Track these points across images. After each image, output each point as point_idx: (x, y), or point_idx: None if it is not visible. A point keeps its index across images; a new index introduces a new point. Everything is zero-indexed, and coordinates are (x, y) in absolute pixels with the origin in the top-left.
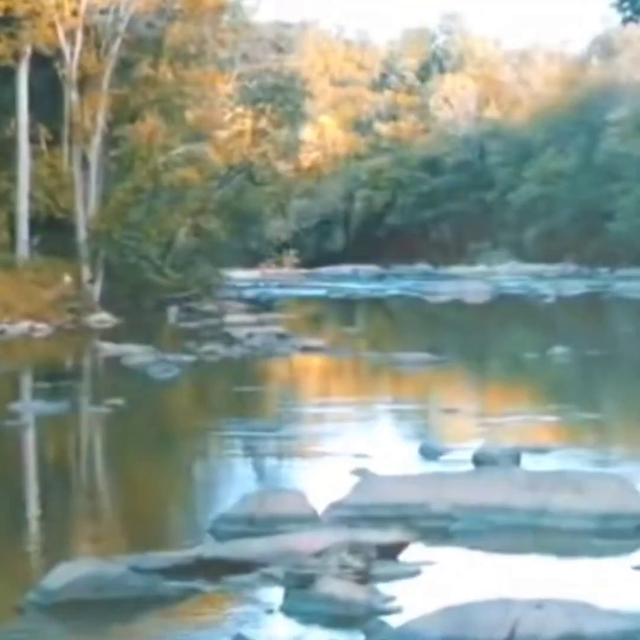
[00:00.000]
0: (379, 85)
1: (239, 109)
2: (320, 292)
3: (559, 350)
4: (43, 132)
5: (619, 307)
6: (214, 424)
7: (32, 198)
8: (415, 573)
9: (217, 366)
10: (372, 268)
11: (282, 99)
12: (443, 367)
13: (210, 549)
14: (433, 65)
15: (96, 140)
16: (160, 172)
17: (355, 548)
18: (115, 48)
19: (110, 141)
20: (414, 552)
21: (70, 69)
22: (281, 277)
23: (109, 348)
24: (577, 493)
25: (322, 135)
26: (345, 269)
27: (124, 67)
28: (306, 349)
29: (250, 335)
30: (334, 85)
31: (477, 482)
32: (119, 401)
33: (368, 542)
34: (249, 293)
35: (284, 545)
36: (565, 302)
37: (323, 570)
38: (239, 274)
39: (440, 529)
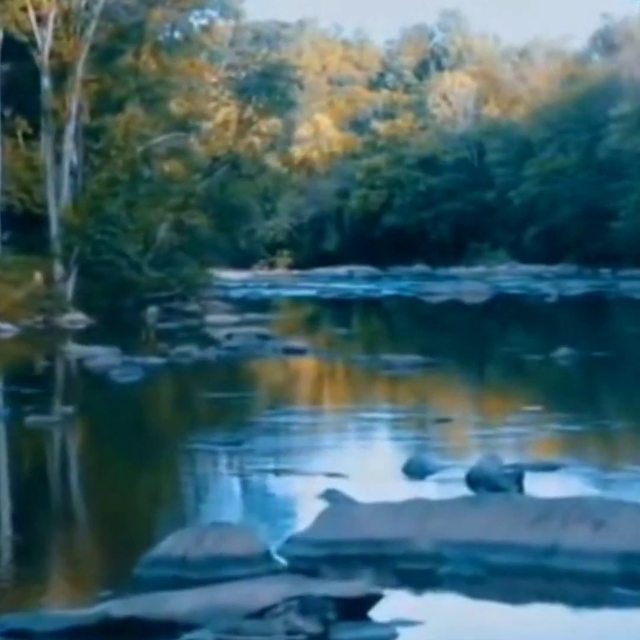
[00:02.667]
0: (376, 83)
1: (224, 98)
2: (312, 292)
3: (563, 351)
4: (22, 124)
5: (623, 307)
6: (168, 436)
7: (4, 192)
8: (389, 637)
9: (188, 369)
10: (368, 269)
11: (269, 86)
12: (437, 370)
13: (121, 605)
14: (431, 63)
15: (70, 130)
16: (137, 162)
17: (310, 604)
18: (90, 33)
19: (90, 133)
20: (390, 607)
21: (42, 55)
22: (273, 278)
23: (74, 350)
24: (595, 527)
25: (317, 133)
26: (341, 270)
27: (105, 56)
28: (288, 351)
29: (229, 336)
30: (330, 84)
31: (471, 511)
32: (68, 409)
33: (328, 595)
34: (237, 293)
35: (218, 600)
36: (567, 302)
37: (265, 637)
38: (230, 275)
39: (424, 573)
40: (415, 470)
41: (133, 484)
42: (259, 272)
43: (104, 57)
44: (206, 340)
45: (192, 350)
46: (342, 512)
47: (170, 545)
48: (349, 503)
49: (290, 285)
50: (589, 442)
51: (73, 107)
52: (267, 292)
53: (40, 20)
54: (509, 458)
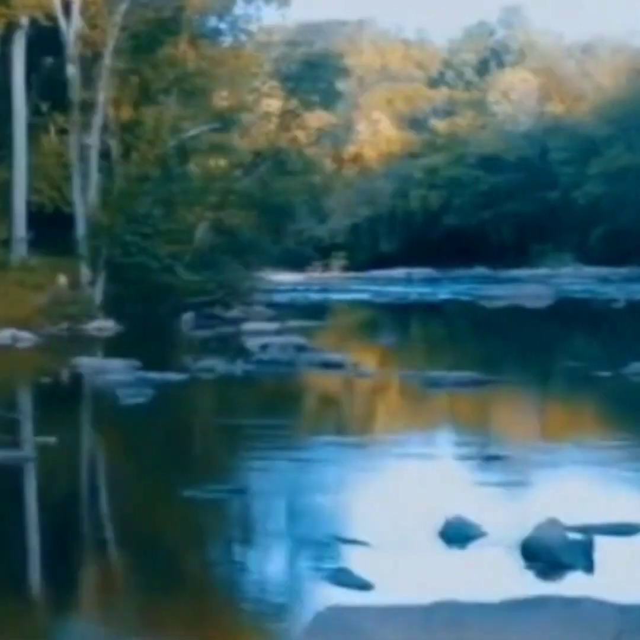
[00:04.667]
0: (436, 82)
1: (266, 88)
2: (364, 296)
3: (636, 367)
4: (58, 119)
5: None
6: (154, 482)
7: (35, 190)
8: None
9: (207, 387)
10: (427, 271)
11: (313, 76)
12: (490, 389)
13: None
14: (492, 60)
15: (97, 122)
16: (170, 157)
17: None
18: (118, 17)
19: (129, 127)
20: None
21: (68, 41)
22: (327, 280)
23: (85, 363)
24: None
25: (376, 131)
26: (398, 272)
27: (145, 46)
28: (325, 365)
29: (264, 347)
30: (390, 83)
31: (521, 624)
32: (50, 440)
33: None
34: (284, 297)
35: None
36: (636, 308)
37: None
38: (282, 277)
39: None
40: (454, 536)
41: (89, 561)
42: (313, 274)
43: (143, 47)
44: (238, 351)
45: (217, 365)
46: (338, 620)
47: None
48: (350, 608)
49: (342, 288)
50: None
51: (100, 98)
52: (317, 296)
53: (67, 4)
54: (576, 514)
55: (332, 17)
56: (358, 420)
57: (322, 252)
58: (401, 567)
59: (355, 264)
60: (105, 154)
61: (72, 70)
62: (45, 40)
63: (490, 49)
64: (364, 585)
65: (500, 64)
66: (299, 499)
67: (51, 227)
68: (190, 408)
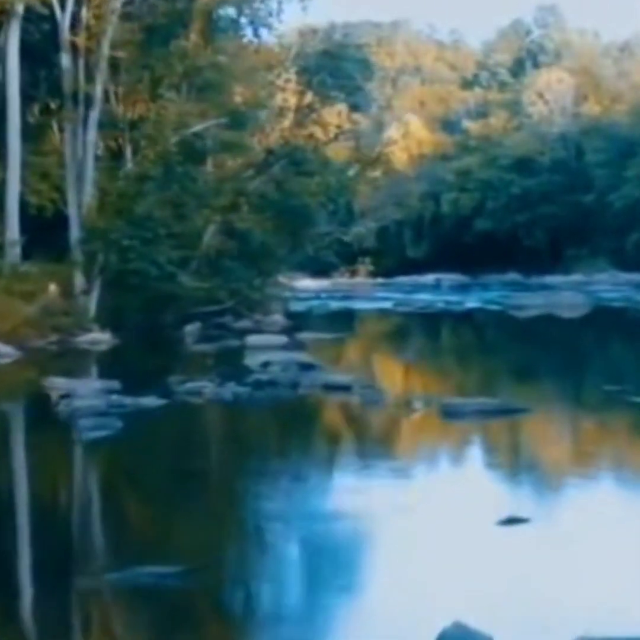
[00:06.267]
0: (470, 83)
1: (280, 82)
2: (387, 305)
3: None
4: (65, 115)
5: None
6: (80, 562)
7: (35, 191)
8: None
9: (188, 416)
10: (457, 277)
11: (332, 67)
12: (513, 421)
13: None
14: (527, 60)
15: (93, 117)
16: (173, 155)
17: None
18: (117, 3)
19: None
20: None
21: (62, 28)
22: (352, 287)
23: (59, 384)
24: None
25: (407, 133)
26: (427, 278)
27: (156, 39)
28: (328, 388)
29: (265, 365)
30: (423, 85)
31: None
32: None
33: None
34: (303, 306)
35: None
36: None
37: None
38: (307, 284)
39: None
40: None
41: None
42: (339, 280)
43: (154, 40)
44: (236, 369)
45: (206, 387)
46: None
47: None
48: None
49: (366, 296)
50: None
51: (98, 91)
52: (337, 305)
53: None
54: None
55: (366, 18)
56: (351, 464)
57: (349, 257)
58: None
59: (383, 270)
60: (115, 154)
61: (66, 60)
62: (56, 35)
63: (525, 49)
64: None
65: (536, 64)
66: (261, 587)
67: (51, 231)
68: (154, 447)
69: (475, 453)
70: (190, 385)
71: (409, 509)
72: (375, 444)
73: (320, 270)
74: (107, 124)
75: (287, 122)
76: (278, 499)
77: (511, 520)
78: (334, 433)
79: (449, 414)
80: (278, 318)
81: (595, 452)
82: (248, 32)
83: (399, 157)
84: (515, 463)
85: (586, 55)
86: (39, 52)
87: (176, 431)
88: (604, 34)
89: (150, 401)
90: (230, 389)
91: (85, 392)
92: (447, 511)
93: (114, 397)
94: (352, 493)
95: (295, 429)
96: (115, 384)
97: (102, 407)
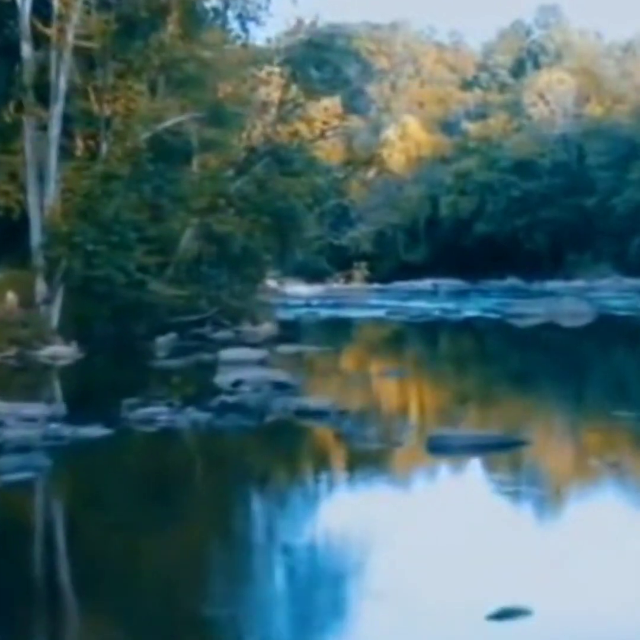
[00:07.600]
0: (470, 84)
1: (262, 74)
2: (379, 313)
3: None
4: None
5: None
6: None
7: (2, 192)
8: None
9: (132, 451)
10: (455, 282)
11: (318, 59)
12: (515, 457)
13: None
14: (528, 60)
15: (57, 111)
16: (143, 152)
17: None
18: None
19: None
20: None
21: (22, 15)
22: (346, 293)
23: None
24: None
25: (405, 135)
26: (425, 283)
27: (134, 31)
28: (301, 414)
29: (236, 384)
30: (423, 86)
31: None
32: None
33: None
34: (291, 314)
35: None
36: None
37: None
38: (300, 289)
39: None
40: None
41: None
42: (334, 286)
43: (131, 31)
44: (203, 389)
45: (162, 413)
46: None
47: None
48: None
49: (358, 303)
50: None
51: (61, 84)
52: (326, 313)
53: None
54: None
55: (365, 19)
56: (309, 520)
57: (345, 262)
58: None
59: (380, 275)
60: (94, 154)
61: (26, 50)
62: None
63: (526, 50)
64: None
65: (536, 65)
66: None
67: (17, 235)
68: (77, 496)
69: (460, 506)
70: (143, 411)
71: (370, 603)
72: (345, 494)
73: (314, 275)
74: (81, 121)
75: (269, 118)
76: (210, 580)
77: (506, 614)
78: (293, 477)
79: (436, 448)
80: (267, 327)
81: (611, 503)
82: (235, 26)
83: (397, 159)
84: (510, 522)
85: (588, 56)
86: (17, 47)
87: (110, 473)
88: (607, 34)
89: (93, 431)
90: (189, 416)
91: (17, 421)
92: (421, 600)
93: (53, 426)
94: (312, 572)
95: (248, 472)
96: (60, 409)
97: (33, 440)
